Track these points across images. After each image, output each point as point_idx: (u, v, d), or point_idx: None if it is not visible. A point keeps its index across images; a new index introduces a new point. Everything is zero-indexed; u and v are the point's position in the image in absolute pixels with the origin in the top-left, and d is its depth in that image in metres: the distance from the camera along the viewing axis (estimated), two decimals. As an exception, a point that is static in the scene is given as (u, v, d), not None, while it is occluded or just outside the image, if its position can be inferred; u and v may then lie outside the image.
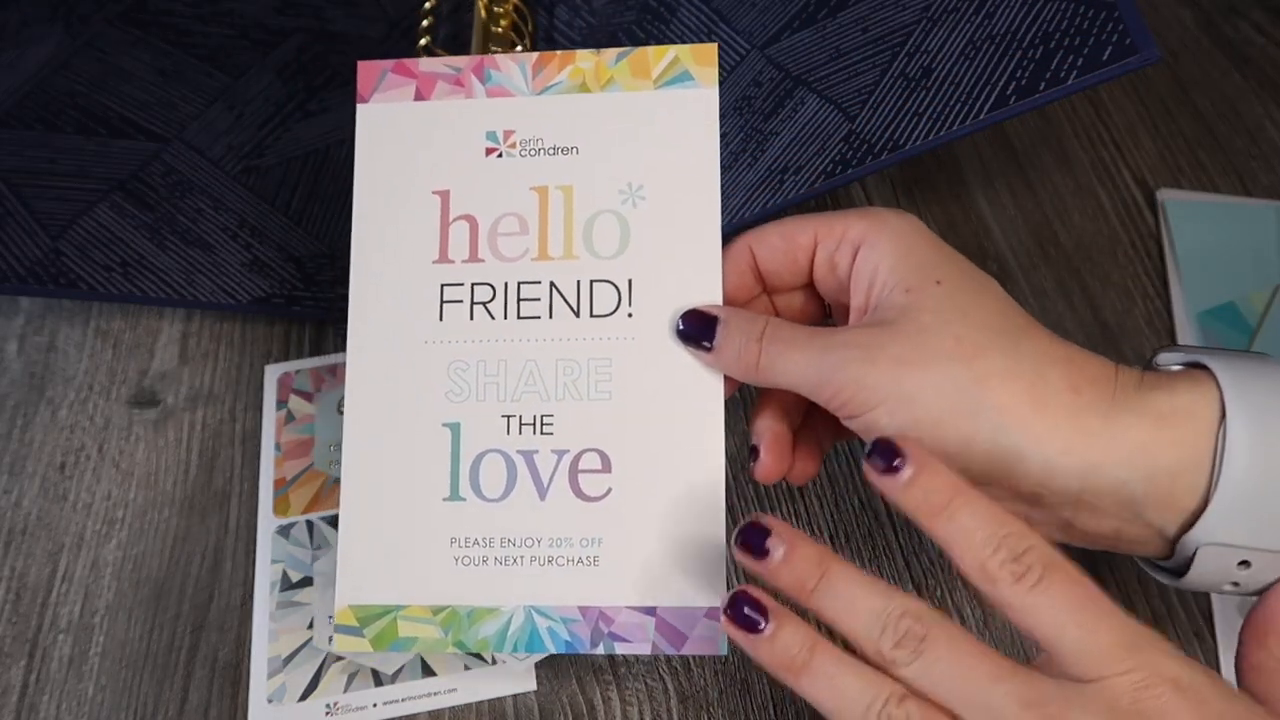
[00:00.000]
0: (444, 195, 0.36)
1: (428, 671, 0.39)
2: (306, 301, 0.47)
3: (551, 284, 0.36)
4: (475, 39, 0.54)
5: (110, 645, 0.40)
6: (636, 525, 0.34)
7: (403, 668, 0.39)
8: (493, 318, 0.36)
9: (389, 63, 0.37)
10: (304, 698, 0.38)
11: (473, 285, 0.36)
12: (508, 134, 0.36)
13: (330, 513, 0.43)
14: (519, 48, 0.53)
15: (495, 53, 0.53)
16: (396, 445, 0.35)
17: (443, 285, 0.36)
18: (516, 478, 0.35)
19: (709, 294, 0.35)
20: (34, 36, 0.54)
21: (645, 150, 0.36)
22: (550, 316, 0.35)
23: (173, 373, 0.47)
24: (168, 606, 0.41)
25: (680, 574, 0.34)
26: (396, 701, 0.38)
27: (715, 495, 0.34)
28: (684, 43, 0.49)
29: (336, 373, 0.46)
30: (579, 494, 0.35)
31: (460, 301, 0.36)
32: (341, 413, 0.45)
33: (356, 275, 0.36)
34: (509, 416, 0.35)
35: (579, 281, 0.35)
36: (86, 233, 0.48)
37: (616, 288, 0.35)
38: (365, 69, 0.37)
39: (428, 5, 0.55)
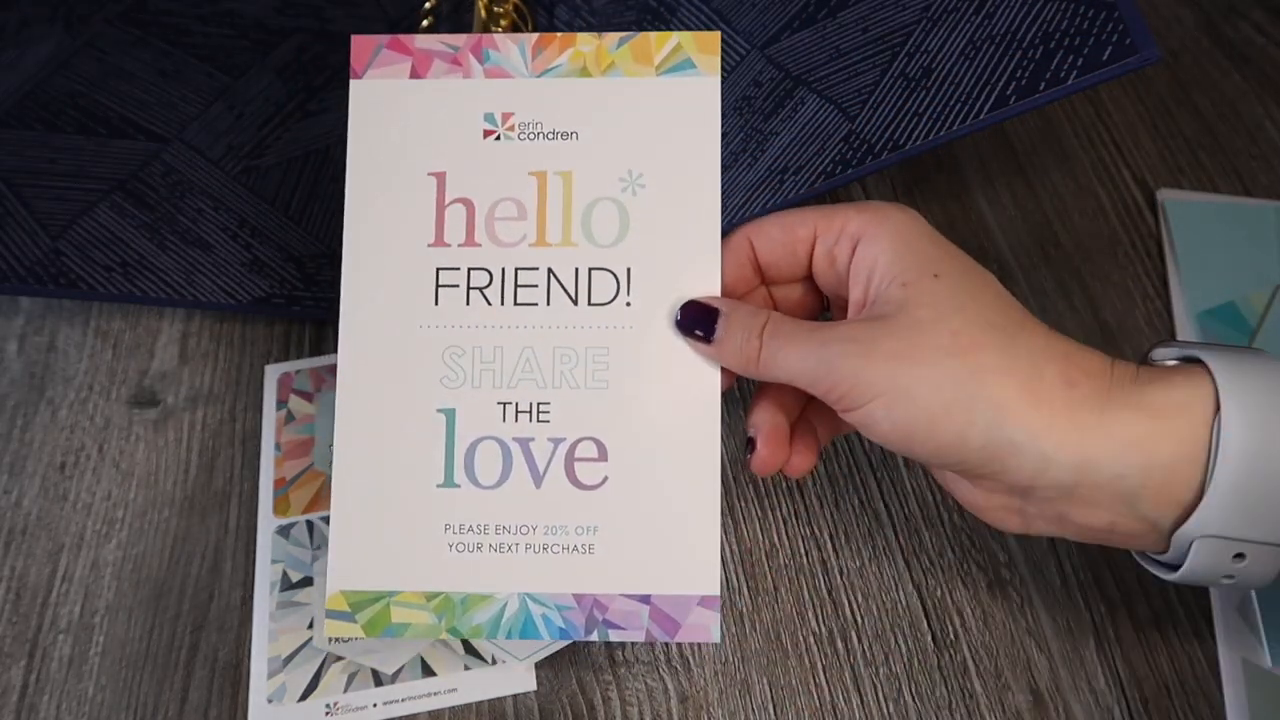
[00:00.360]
0: (440, 177, 0.36)
1: (428, 671, 0.39)
2: (306, 301, 0.47)
3: (549, 271, 0.35)
4: (475, 39, 0.54)
5: (110, 645, 0.40)
6: (632, 514, 0.34)
7: (403, 668, 0.39)
8: (489, 303, 0.35)
9: (384, 38, 0.37)
10: (304, 698, 0.38)
11: (469, 270, 0.36)
12: (506, 116, 0.36)
13: (330, 512, 0.42)
14: (519, 48, 0.53)
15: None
16: (390, 430, 0.35)
17: (438, 269, 0.36)
18: (512, 465, 0.35)
19: (708, 285, 0.35)
20: (34, 36, 0.54)
21: (646, 137, 0.36)
22: (548, 304, 0.35)
23: (173, 373, 0.47)
24: (168, 606, 0.41)
25: (674, 562, 0.34)
26: (396, 701, 0.38)
27: (710, 485, 0.34)
28: (684, 43, 0.49)
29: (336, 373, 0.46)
30: (575, 482, 0.35)
31: (456, 286, 0.35)
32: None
33: (349, 256, 0.36)
34: (505, 403, 0.35)
35: (577, 269, 0.35)
36: (86, 233, 0.48)
37: (615, 276, 0.35)
38: (359, 43, 0.37)
39: (428, 5, 0.55)
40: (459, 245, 0.36)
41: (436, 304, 0.35)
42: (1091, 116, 0.54)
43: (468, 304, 0.35)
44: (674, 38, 0.36)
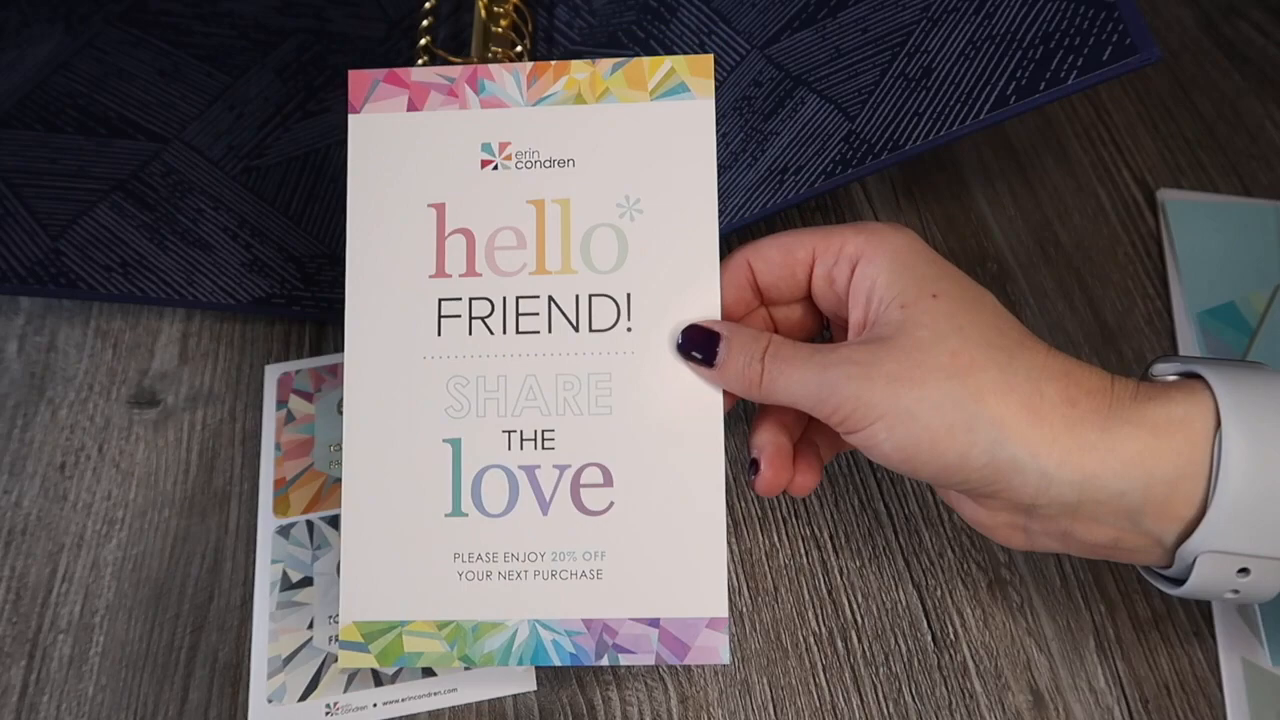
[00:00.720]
0: (440, 208, 0.36)
1: (428, 672, 0.39)
2: (306, 301, 0.47)
3: (550, 298, 0.36)
4: (475, 39, 0.54)
5: (110, 645, 0.40)
6: (638, 538, 0.35)
7: (403, 668, 0.39)
8: (491, 332, 0.36)
9: (380, 72, 0.37)
10: (304, 698, 0.38)
11: (471, 300, 0.36)
12: (503, 146, 0.36)
13: (330, 513, 0.43)
14: (519, 48, 0.53)
15: (495, 53, 0.53)
16: (397, 461, 0.35)
17: (440, 300, 0.36)
18: (519, 493, 0.35)
19: (708, 308, 0.35)
20: (34, 36, 0.54)
21: (642, 163, 0.36)
22: (549, 331, 0.35)
23: (173, 373, 0.47)
24: (168, 606, 0.41)
25: (682, 585, 0.34)
26: (396, 701, 0.38)
27: (715, 508, 0.34)
28: (684, 43, 0.49)
29: (336, 372, 0.46)
30: (581, 508, 0.35)
31: (458, 316, 0.36)
32: (342, 413, 0.45)
33: (352, 289, 0.36)
34: (510, 432, 0.35)
35: (577, 296, 0.35)
36: (86, 233, 0.48)
37: (615, 302, 0.35)
38: (356, 79, 0.37)
39: (428, 5, 0.55)
40: (460, 276, 0.36)
41: (439, 335, 0.36)
42: (1091, 116, 0.54)
43: (470, 334, 0.36)
44: (667, 62, 0.36)
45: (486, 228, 0.36)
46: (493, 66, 0.37)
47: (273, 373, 0.47)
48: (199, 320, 0.49)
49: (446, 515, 0.35)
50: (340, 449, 0.44)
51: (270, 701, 0.39)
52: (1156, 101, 0.55)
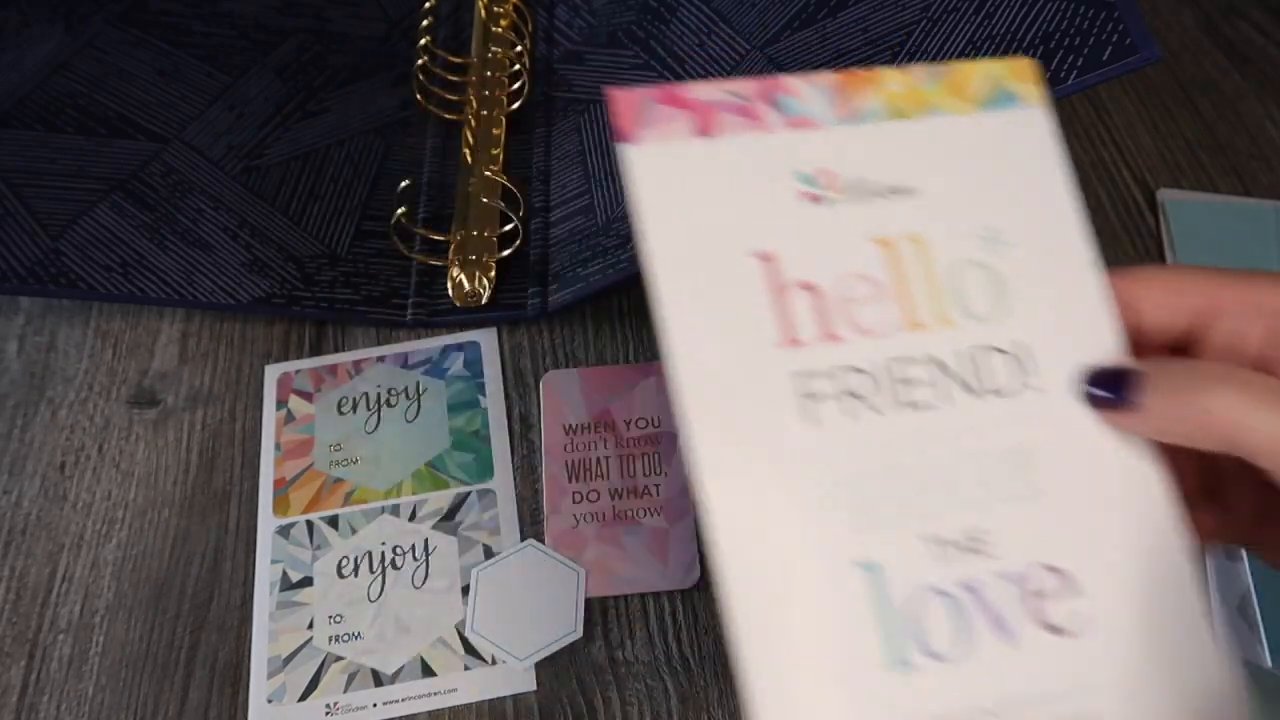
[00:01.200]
0: (767, 258, 0.28)
1: (428, 671, 0.39)
2: (306, 301, 0.47)
3: (934, 360, 0.28)
4: (475, 39, 0.54)
5: (110, 645, 0.40)
6: (1129, 656, 0.27)
7: (403, 668, 0.39)
8: (878, 413, 0.27)
9: (651, 90, 0.28)
10: (304, 698, 0.38)
11: (840, 372, 0.27)
12: (828, 175, 0.29)
13: (330, 513, 0.43)
14: (519, 48, 0.53)
15: (495, 53, 0.53)
16: (799, 607, 0.26)
17: (800, 376, 0.27)
18: (969, 620, 0.26)
19: (1110, 349, 0.28)
20: (34, 36, 0.54)
21: (991, 185, 0.29)
22: (944, 402, 0.28)
23: (173, 373, 0.47)
24: (168, 606, 0.41)
25: (1197, 709, 0.27)
26: (396, 701, 0.38)
27: (1190, 599, 0.27)
28: (684, 43, 0.49)
29: (336, 372, 0.46)
30: (1051, 629, 0.26)
31: (829, 396, 0.27)
32: (342, 413, 0.45)
33: (687, 389, 0.26)
34: (932, 539, 0.26)
35: (966, 353, 0.28)
36: (86, 233, 0.48)
37: (1010, 355, 0.28)
38: (623, 100, 0.28)
39: (428, 5, 0.55)
40: (816, 342, 0.27)
41: (812, 422, 0.27)
42: (1091, 116, 0.54)
43: (850, 417, 0.27)
44: (984, 66, 0.31)
45: (830, 277, 0.28)
46: (788, 80, 0.30)
47: (272, 373, 0.47)
48: (199, 320, 0.49)
49: (884, 668, 0.25)
50: (340, 448, 0.44)
51: (270, 701, 0.39)
52: (1156, 101, 0.55)
